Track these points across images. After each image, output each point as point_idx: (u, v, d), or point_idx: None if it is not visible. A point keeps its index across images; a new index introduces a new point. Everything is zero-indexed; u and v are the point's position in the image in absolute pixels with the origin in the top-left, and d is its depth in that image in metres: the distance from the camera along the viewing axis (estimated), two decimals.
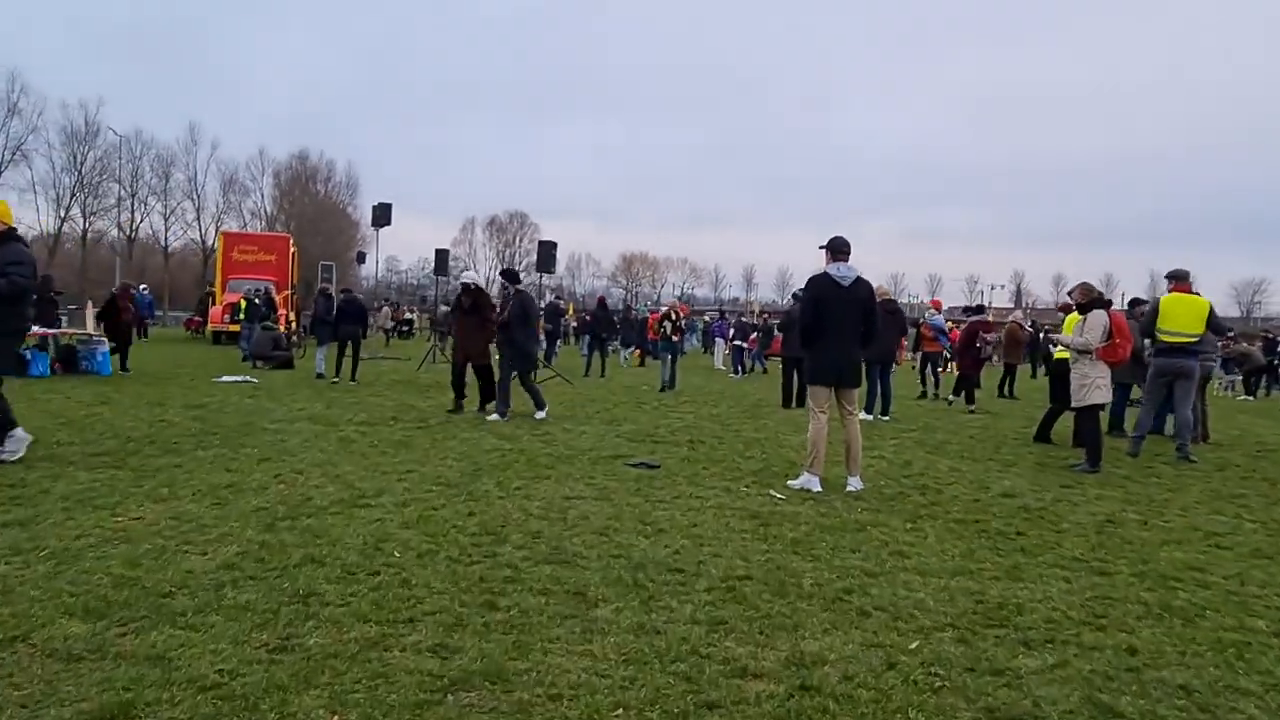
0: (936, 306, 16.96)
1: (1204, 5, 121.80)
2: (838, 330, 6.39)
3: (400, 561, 4.10)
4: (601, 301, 19.79)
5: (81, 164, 50.55)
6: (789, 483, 6.47)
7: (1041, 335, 31.20)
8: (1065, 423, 9.45)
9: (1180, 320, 8.55)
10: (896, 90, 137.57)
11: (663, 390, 14.76)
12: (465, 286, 11.09)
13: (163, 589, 3.55)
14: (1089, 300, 7.70)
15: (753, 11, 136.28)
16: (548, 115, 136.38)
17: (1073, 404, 7.85)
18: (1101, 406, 7.80)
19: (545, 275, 16.25)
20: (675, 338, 15.53)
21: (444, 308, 29.07)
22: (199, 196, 59.73)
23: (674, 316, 15.73)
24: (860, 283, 6.43)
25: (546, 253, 15.41)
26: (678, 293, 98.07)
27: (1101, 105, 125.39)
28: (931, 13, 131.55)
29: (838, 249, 6.50)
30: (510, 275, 11.12)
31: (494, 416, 9.65)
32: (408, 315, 39.55)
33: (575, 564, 4.19)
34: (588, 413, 10.82)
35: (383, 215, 21.43)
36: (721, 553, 4.50)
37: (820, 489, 6.31)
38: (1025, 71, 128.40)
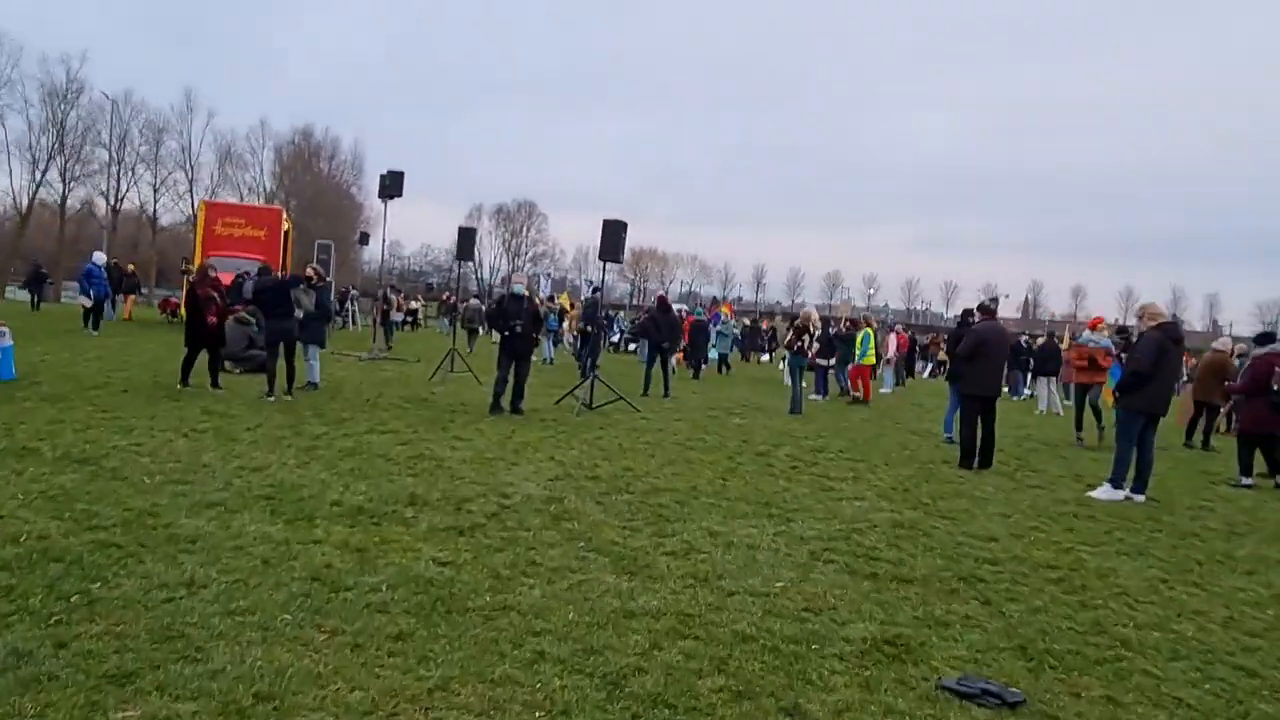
0: (1100, 324, 12.86)
1: (1232, 15, 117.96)
2: None
3: None
4: (663, 302, 15.80)
5: (62, 124, 46.26)
6: None
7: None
8: None
9: None
10: (922, 97, 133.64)
11: (793, 412, 12.66)
12: None
13: None
14: None
15: (780, 11, 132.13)
16: (564, 108, 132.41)
17: None
18: None
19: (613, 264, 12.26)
20: (810, 354, 13.45)
21: (475, 302, 25.14)
22: (192, 168, 55.45)
23: (812, 329, 12.59)
24: None
25: (615, 235, 11.44)
26: (684, 289, 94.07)
27: (1124, 117, 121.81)
28: (962, 20, 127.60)
29: None
30: None
31: None
32: (413, 305, 35.53)
33: None
34: (714, 483, 6.91)
35: (393, 185, 17.45)
36: None
37: None
38: (1050, 81, 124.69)
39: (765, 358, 31.13)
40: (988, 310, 9.12)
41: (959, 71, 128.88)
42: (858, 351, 16.18)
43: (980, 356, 8.84)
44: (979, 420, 8.83)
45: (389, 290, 25.97)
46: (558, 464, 7.16)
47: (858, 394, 16.03)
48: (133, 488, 5.15)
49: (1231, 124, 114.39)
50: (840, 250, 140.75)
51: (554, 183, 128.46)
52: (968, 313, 10.60)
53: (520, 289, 10.88)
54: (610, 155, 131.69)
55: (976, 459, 8.82)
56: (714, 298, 50.91)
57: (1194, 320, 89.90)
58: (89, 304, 17.35)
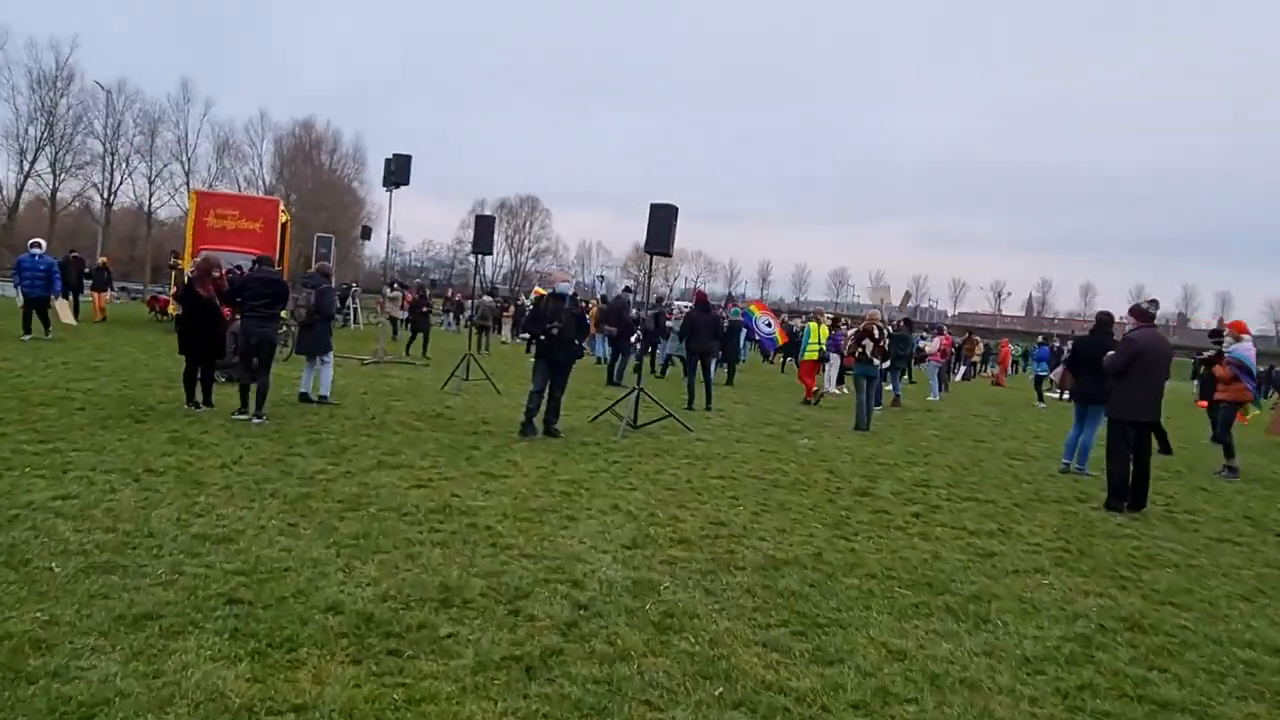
0: (1240, 331, 10.66)
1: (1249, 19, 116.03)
2: None
3: None
4: (702, 299, 13.91)
5: (51, 113, 44.48)
6: None
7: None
8: None
9: None
10: (931, 94, 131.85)
11: (857, 428, 11.22)
12: None
13: None
14: None
15: (786, 8, 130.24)
16: (566, 105, 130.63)
17: None
18: None
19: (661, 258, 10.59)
20: (877, 360, 11.51)
21: (488, 300, 23.31)
22: (189, 160, 53.69)
23: (876, 334, 10.98)
24: None
25: (663, 222, 9.70)
26: (689, 285, 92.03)
27: (1134, 115, 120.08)
28: (973, 18, 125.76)
29: None
30: None
31: None
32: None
33: None
34: (837, 545, 5.19)
35: (400, 171, 15.64)
36: None
37: None
38: (1060, 79, 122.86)
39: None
40: (1145, 315, 7.32)
41: (969, 69, 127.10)
42: (809, 346, 14.63)
43: (1135, 373, 7.12)
44: (1132, 451, 7.14)
45: (428, 288, 24.10)
46: (626, 516, 5.46)
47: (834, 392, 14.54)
48: (29, 584, 3.44)
49: (1240, 121, 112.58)
50: (846, 247, 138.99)
51: (556, 179, 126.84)
52: (1106, 318, 8.77)
53: (566, 288, 9.23)
54: (613, 152, 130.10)
55: (1124, 497, 7.15)
56: (729, 294, 49.02)
57: (1206, 318, 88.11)
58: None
